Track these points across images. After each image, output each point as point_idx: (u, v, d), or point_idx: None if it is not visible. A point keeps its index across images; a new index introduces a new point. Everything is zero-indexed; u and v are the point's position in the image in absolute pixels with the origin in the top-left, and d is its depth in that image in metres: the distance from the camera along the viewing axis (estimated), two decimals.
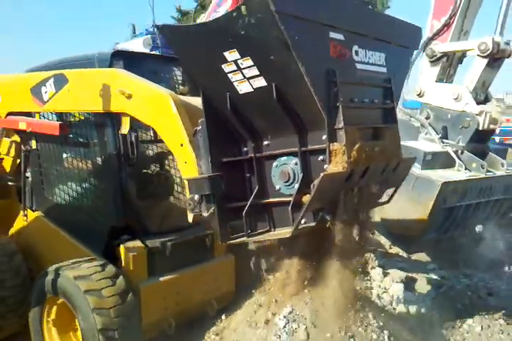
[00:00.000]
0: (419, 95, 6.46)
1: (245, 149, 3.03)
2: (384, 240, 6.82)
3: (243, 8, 2.44)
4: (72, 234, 4.25)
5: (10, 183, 4.85)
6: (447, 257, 6.39)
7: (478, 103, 6.02)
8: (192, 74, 3.02)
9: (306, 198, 2.71)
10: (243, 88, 2.76)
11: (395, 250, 6.88)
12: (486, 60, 5.89)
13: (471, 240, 6.15)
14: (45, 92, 3.96)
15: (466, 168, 5.85)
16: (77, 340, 3.82)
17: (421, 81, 6.51)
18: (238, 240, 3.02)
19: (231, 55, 2.65)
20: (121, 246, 3.92)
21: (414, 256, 6.74)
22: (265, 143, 2.98)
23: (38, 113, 4.29)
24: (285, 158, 2.91)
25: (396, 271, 5.51)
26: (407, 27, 3.59)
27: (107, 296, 3.51)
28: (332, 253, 3.18)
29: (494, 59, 5.96)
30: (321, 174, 2.58)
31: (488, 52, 5.77)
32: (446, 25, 6.28)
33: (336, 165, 2.68)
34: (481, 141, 6.12)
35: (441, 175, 5.58)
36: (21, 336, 4.30)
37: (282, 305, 3.34)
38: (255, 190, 2.98)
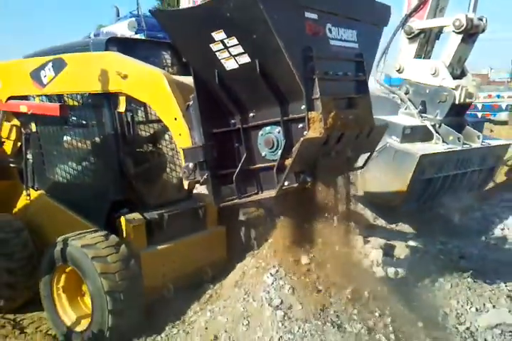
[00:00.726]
0: (399, 71, 6.61)
1: (233, 121, 3.33)
2: (368, 213, 7.15)
3: None
4: (73, 210, 4.54)
5: (12, 165, 5.13)
6: (426, 227, 6.68)
7: (455, 78, 6.20)
8: (184, 54, 3.31)
9: (289, 161, 3.03)
10: (229, 65, 3.06)
11: (380, 223, 7.23)
12: (460, 36, 6.04)
13: (449, 210, 6.49)
14: (45, 76, 4.24)
15: (443, 141, 6.04)
16: (84, 304, 4.17)
17: (400, 57, 6.66)
18: (230, 202, 3.35)
19: (218, 35, 2.96)
20: (122, 218, 4.23)
21: (396, 227, 7.10)
22: (251, 114, 3.28)
23: (38, 96, 4.58)
24: (269, 127, 3.22)
25: (376, 239, 5.87)
26: (377, 6, 3.92)
27: (111, 262, 3.82)
28: (315, 215, 3.54)
29: (469, 34, 6.11)
30: (301, 139, 2.93)
31: (463, 28, 5.92)
32: (423, 3, 6.45)
33: (314, 131, 3.01)
34: (458, 115, 6.32)
35: (420, 148, 5.78)
36: (32, 306, 4.64)
37: (269, 265, 3.68)
38: (243, 157, 3.29)
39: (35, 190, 4.90)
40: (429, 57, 6.81)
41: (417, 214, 6.65)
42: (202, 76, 3.23)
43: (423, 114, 6.25)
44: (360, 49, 3.52)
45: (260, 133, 3.28)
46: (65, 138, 4.70)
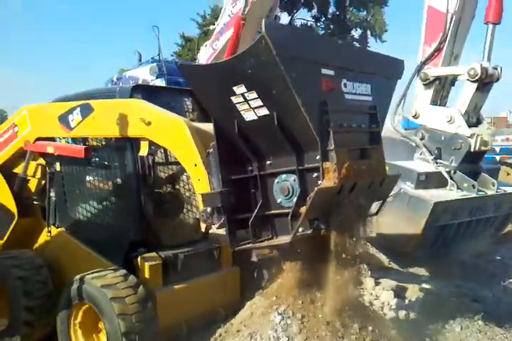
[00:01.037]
0: (415, 117, 6.71)
1: (250, 168, 3.51)
2: (383, 256, 7.19)
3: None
4: (93, 248, 4.67)
5: (35, 202, 5.31)
6: (442, 270, 6.69)
7: (471, 125, 6.29)
8: (205, 105, 3.52)
9: (303, 209, 3.18)
10: (249, 116, 3.26)
11: (394, 265, 7.24)
12: (475, 85, 6.15)
13: (465, 254, 6.50)
14: (72, 120, 4.47)
15: (458, 188, 6.07)
16: (99, 340, 4.24)
17: (416, 103, 6.76)
18: (245, 246, 3.49)
19: (239, 89, 3.17)
20: (139, 258, 4.36)
21: (410, 270, 7.11)
22: (268, 162, 3.46)
23: (64, 138, 4.81)
24: (285, 175, 3.39)
25: (388, 281, 5.91)
26: (390, 60, 4.13)
27: (129, 303, 3.91)
28: (328, 259, 3.64)
29: (483, 83, 6.22)
30: (316, 188, 3.08)
31: (477, 77, 6.04)
32: (437, 51, 6.59)
33: (328, 180, 3.17)
34: (472, 162, 6.37)
35: (434, 195, 5.82)
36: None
37: (278, 304, 3.77)
38: (259, 203, 3.45)
39: (56, 228, 5.05)
40: (445, 103, 6.92)
41: (432, 259, 6.69)
42: (222, 125, 3.42)
43: (438, 160, 6.29)
44: (374, 102, 3.71)
45: (276, 180, 3.44)
46: (87, 178, 4.88)
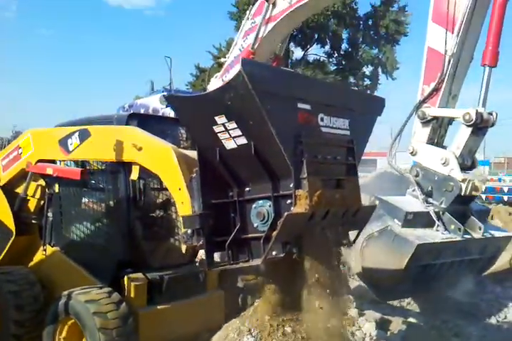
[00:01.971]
0: (412, 153, 6.71)
1: (231, 193, 3.70)
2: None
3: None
4: (84, 267, 4.88)
5: (33, 221, 5.56)
6: (430, 306, 6.80)
7: (465, 168, 6.31)
8: (190, 133, 3.78)
9: (275, 233, 3.38)
10: (229, 145, 3.48)
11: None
12: (470, 129, 6.16)
13: (456, 291, 6.56)
14: (71, 144, 4.77)
15: (445, 229, 6.06)
16: None
17: (413, 141, 6.80)
18: (221, 268, 3.67)
19: (220, 119, 3.41)
20: (126, 277, 4.55)
21: (398, 304, 7.19)
22: (247, 189, 3.65)
23: (63, 161, 5.09)
24: (262, 201, 3.57)
25: (372, 313, 6.02)
26: (370, 97, 4.39)
27: (111, 318, 4.10)
28: (301, 284, 3.79)
29: (478, 128, 6.23)
30: (285, 213, 3.29)
31: (472, 122, 6.04)
32: (435, 90, 6.62)
33: (300, 207, 3.36)
34: (463, 204, 6.34)
35: (418, 236, 5.86)
36: None
37: (252, 327, 3.91)
38: (237, 227, 3.63)
39: (52, 246, 5.27)
40: (443, 141, 6.95)
41: (413, 294, 6.76)
42: (205, 152, 3.65)
43: (429, 199, 6.31)
44: (351, 136, 3.92)
45: (254, 206, 3.63)
46: (82, 199, 5.14)
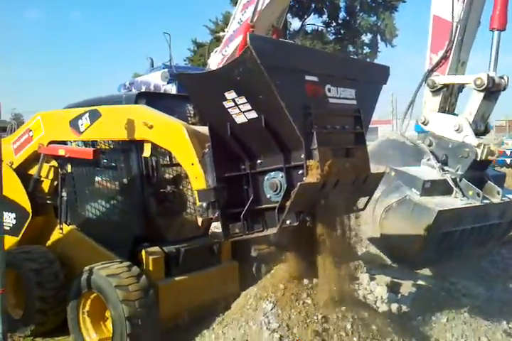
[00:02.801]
0: (424, 123, 6.74)
1: (243, 166, 3.82)
2: (383, 256, 7.36)
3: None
4: (101, 243, 5.03)
5: (48, 202, 5.69)
6: (439, 269, 6.93)
7: (479, 134, 6.34)
8: (201, 109, 3.86)
9: (288, 203, 3.49)
10: (239, 119, 3.58)
11: (393, 265, 7.44)
12: (482, 94, 6.19)
13: (466, 255, 6.67)
14: (82, 124, 4.85)
15: (463, 195, 6.11)
16: (107, 329, 4.58)
17: (424, 110, 6.85)
18: (237, 238, 3.81)
19: (230, 94, 3.49)
20: (143, 251, 4.70)
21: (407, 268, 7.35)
22: (258, 161, 3.76)
23: (75, 142, 5.19)
24: (274, 172, 3.69)
25: (383, 277, 6.18)
26: (375, 67, 4.44)
27: (132, 291, 4.26)
28: (315, 251, 3.94)
29: (490, 92, 6.25)
30: (298, 183, 3.40)
31: (484, 86, 6.08)
32: (444, 58, 6.68)
33: (312, 177, 3.47)
34: (479, 170, 6.41)
35: (438, 203, 5.89)
36: (59, 331, 5.08)
37: (270, 293, 4.07)
38: (251, 199, 3.76)
39: (68, 225, 5.41)
40: (454, 109, 7.00)
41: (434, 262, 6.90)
42: (216, 128, 3.74)
43: (445, 167, 6.35)
44: (358, 105, 4.01)
45: (266, 177, 3.74)
46: (96, 178, 5.25)
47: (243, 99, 3.48)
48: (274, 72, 3.25)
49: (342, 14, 29.89)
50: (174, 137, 4.14)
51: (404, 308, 5.33)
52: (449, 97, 6.92)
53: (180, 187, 5.29)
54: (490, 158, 6.27)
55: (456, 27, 6.66)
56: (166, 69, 12.19)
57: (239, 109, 3.54)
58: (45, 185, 5.66)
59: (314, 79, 3.61)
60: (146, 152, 4.47)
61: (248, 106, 3.50)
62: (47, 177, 5.60)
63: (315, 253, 3.94)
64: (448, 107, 6.97)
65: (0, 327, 3.95)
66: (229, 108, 3.56)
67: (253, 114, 3.52)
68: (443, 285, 6.25)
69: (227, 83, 3.45)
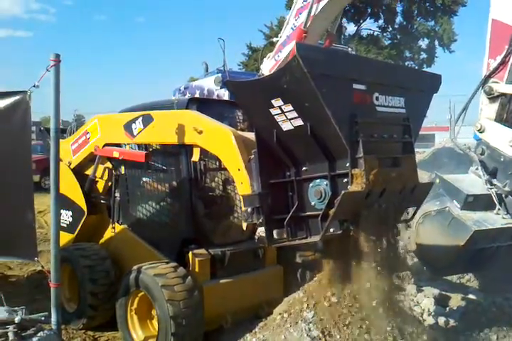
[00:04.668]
0: (480, 131, 6.50)
1: (288, 173, 3.87)
2: None
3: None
4: (150, 243, 5.20)
5: (102, 201, 5.94)
6: (490, 284, 6.74)
7: None
8: (248, 116, 3.94)
9: (332, 211, 3.51)
10: (286, 126, 3.63)
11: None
12: None
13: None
14: (135, 128, 5.03)
15: (507, 213, 5.91)
16: (152, 326, 4.72)
17: (481, 117, 6.59)
18: (281, 244, 3.86)
19: (276, 102, 3.55)
20: (190, 253, 4.82)
21: (458, 280, 7.16)
22: (304, 168, 3.80)
23: (128, 145, 5.39)
24: (319, 180, 3.71)
25: (431, 289, 6.06)
26: (426, 75, 4.39)
27: (178, 291, 4.37)
28: (358, 260, 3.92)
29: None
30: (342, 192, 3.41)
31: None
32: (502, 64, 6.39)
33: (357, 185, 3.48)
34: None
35: (476, 220, 5.75)
36: (109, 326, 5.28)
37: (313, 300, 4.09)
38: (295, 205, 3.80)
39: (120, 225, 5.63)
40: None
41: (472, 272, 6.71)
42: (262, 134, 3.81)
43: (492, 180, 6.13)
44: (407, 114, 3.97)
45: (311, 185, 3.77)
46: (147, 180, 5.43)
47: (289, 107, 3.52)
48: (320, 81, 3.28)
49: (398, 19, 29.56)
50: (222, 143, 4.24)
51: (451, 322, 5.21)
52: (508, 104, 6.58)
53: (228, 191, 5.39)
54: None
55: None
56: (220, 74, 12.41)
57: (285, 116, 3.59)
58: (100, 186, 5.90)
59: (362, 87, 3.61)
60: (195, 156, 4.60)
61: (294, 114, 3.54)
62: (101, 177, 5.84)
63: (358, 263, 3.94)
64: (506, 115, 6.62)
65: (55, 318, 4.13)
66: (275, 115, 3.62)
67: (299, 122, 3.56)
68: (495, 300, 6.06)
69: (274, 90, 3.52)
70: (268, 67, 9.67)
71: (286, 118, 3.59)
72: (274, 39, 10.42)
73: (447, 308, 5.71)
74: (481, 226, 5.65)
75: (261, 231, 4.18)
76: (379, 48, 28.11)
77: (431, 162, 14.55)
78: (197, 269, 4.76)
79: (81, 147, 5.90)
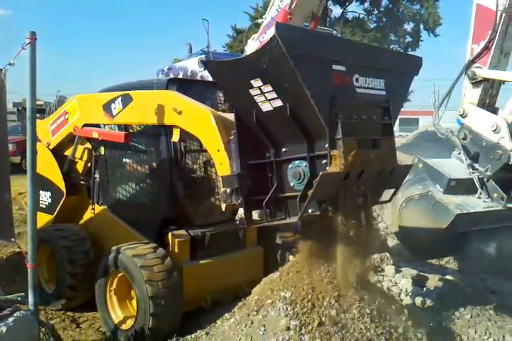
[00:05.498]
0: (462, 115, 6.55)
1: (268, 154, 3.85)
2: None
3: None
4: (130, 224, 5.19)
5: (81, 182, 5.89)
6: (469, 265, 6.84)
7: None
8: (227, 96, 3.90)
9: (310, 192, 3.52)
10: (265, 107, 3.60)
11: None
12: None
13: (498, 251, 6.56)
14: (114, 108, 4.96)
15: (488, 196, 5.99)
16: (131, 306, 4.74)
17: (464, 102, 6.65)
18: (259, 225, 3.88)
19: (256, 82, 3.52)
20: (170, 234, 4.82)
21: (437, 262, 7.28)
22: (283, 149, 3.79)
23: (108, 125, 5.33)
24: (298, 161, 3.70)
25: (409, 270, 6.15)
26: (406, 57, 4.37)
27: (157, 271, 4.39)
28: (336, 240, 3.96)
29: None
30: (320, 173, 3.42)
31: None
32: (486, 49, 6.41)
33: (335, 167, 3.48)
34: (509, 173, 6.16)
35: (458, 204, 5.82)
36: (88, 307, 5.29)
37: (290, 280, 4.13)
38: (274, 186, 3.79)
39: (99, 205, 5.61)
40: (495, 102, 6.75)
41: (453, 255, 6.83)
42: (242, 115, 3.79)
43: (474, 165, 6.19)
44: (387, 96, 3.96)
45: (290, 166, 3.77)
46: (127, 161, 5.40)
47: (269, 87, 3.50)
48: (300, 61, 3.25)
49: (384, 2, 29.39)
50: (201, 123, 4.21)
51: (428, 302, 5.29)
52: (490, 89, 6.63)
53: (209, 172, 5.38)
54: None
55: (501, 16, 6.37)
56: (204, 56, 12.29)
57: (265, 97, 3.56)
58: (79, 166, 5.86)
59: (342, 68, 3.59)
60: (175, 137, 4.57)
61: (274, 95, 3.51)
62: (81, 158, 5.79)
63: (335, 243, 3.97)
64: (489, 100, 6.67)
65: (32, 299, 4.11)
66: (255, 96, 3.59)
67: (279, 103, 3.54)
68: (471, 281, 6.18)
69: (253, 71, 3.48)
70: (253, 48, 9.55)
71: (266, 98, 3.56)
72: (259, 20, 10.30)
73: (424, 289, 5.80)
74: (463, 209, 5.74)
75: (242, 212, 4.19)
76: (364, 31, 27.98)
77: (414, 145, 14.71)
78: (176, 250, 4.77)
79: (60, 127, 5.82)
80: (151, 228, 5.03)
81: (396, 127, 6.43)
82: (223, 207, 4.01)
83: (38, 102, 4.31)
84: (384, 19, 29.54)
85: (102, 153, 5.47)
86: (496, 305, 5.10)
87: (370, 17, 30.07)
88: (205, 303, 4.87)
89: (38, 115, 4.79)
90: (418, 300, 5.34)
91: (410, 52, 25.55)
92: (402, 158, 6.91)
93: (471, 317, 4.88)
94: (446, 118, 7.83)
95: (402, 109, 4.45)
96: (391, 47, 27.06)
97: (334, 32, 16.40)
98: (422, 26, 28.77)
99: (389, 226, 8.13)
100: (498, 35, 6.36)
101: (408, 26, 29.50)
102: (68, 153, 5.88)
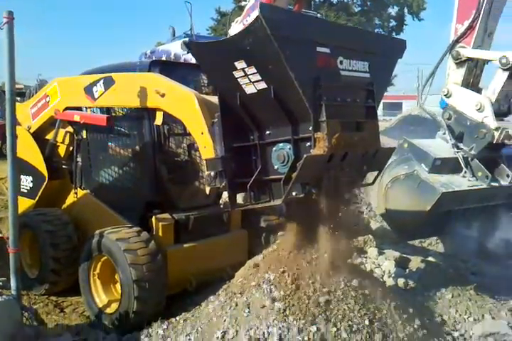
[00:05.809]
0: (447, 96, 6.54)
1: (251, 137, 3.84)
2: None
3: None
4: (113, 208, 5.16)
5: (64, 166, 5.81)
6: (452, 247, 6.94)
7: (501, 114, 6.19)
8: (211, 79, 3.86)
9: (294, 174, 3.52)
10: (249, 89, 3.58)
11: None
12: (507, 73, 5.95)
13: (481, 233, 6.66)
14: (96, 91, 4.89)
15: (472, 175, 6.07)
16: (115, 290, 4.73)
17: (448, 82, 6.63)
18: (244, 207, 3.88)
19: (240, 64, 3.48)
20: (153, 218, 4.80)
21: (420, 244, 7.37)
22: (267, 132, 3.77)
23: (90, 108, 5.25)
24: (282, 144, 3.70)
25: (392, 252, 6.23)
26: (391, 40, 4.35)
27: (141, 255, 4.38)
28: (320, 222, 3.98)
29: None
30: (305, 155, 3.41)
31: (509, 66, 5.84)
32: (470, 28, 6.38)
33: (319, 149, 3.48)
34: (493, 151, 6.27)
35: (444, 183, 5.87)
36: (72, 292, 5.28)
37: (274, 263, 4.15)
38: (258, 169, 3.79)
39: (82, 190, 5.55)
40: (478, 82, 6.74)
41: (438, 235, 6.91)
42: (226, 98, 3.75)
43: (459, 144, 6.25)
44: (371, 78, 3.96)
45: (274, 148, 3.76)
46: (109, 145, 5.34)
47: (253, 69, 3.47)
48: (284, 43, 3.23)
49: None
50: (185, 106, 4.17)
51: (410, 283, 5.37)
52: (474, 69, 6.62)
53: (193, 156, 5.35)
54: (506, 142, 6.06)
55: None
56: (187, 39, 12.13)
57: (248, 79, 3.53)
58: (61, 150, 5.78)
59: (326, 50, 3.57)
60: (158, 120, 4.52)
61: (258, 77, 3.49)
62: (63, 142, 5.71)
63: (319, 225, 3.99)
64: (472, 80, 6.67)
65: (14, 283, 4.08)
66: (239, 78, 3.56)
67: (262, 85, 3.51)
68: (452, 263, 6.27)
69: (237, 52, 3.45)
70: (236, 31, 9.43)
71: (250, 81, 3.53)
72: (243, 3, 10.18)
73: (407, 270, 5.88)
74: (449, 188, 5.81)
75: (226, 196, 4.17)
76: (349, 15, 27.80)
77: (397, 129, 14.82)
78: (160, 234, 4.76)
79: (41, 111, 5.72)
80: (135, 212, 5.01)
81: (380, 111, 6.47)
82: (207, 190, 4.01)
83: (18, 86, 4.23)
84: (368, 3, 29.33)
85: (84, 136, 5.39)
86: (476, 286, 5.18)
87: (354, 1, 29.88)
88: (190, 286, 4.88)
89: (18, 98, 4.70)
90: (401, 281, 5.42)
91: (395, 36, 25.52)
92: (386, 142, 6.94)
93: (452, 297, 4.96)
94: (429, 102, 7.88)
95: (386, 94, 4.46)
96: (375, 31, 26.96)
97: (318, 15, 16.29)
98: (406, 10, 28.68)
99: (374, 208, 8.19)
100: (481, 14, 6.34)
101: (392, 10, 29.39)
102: (50, 136, 5.79)
